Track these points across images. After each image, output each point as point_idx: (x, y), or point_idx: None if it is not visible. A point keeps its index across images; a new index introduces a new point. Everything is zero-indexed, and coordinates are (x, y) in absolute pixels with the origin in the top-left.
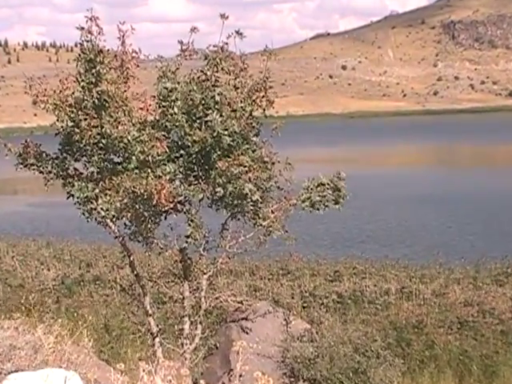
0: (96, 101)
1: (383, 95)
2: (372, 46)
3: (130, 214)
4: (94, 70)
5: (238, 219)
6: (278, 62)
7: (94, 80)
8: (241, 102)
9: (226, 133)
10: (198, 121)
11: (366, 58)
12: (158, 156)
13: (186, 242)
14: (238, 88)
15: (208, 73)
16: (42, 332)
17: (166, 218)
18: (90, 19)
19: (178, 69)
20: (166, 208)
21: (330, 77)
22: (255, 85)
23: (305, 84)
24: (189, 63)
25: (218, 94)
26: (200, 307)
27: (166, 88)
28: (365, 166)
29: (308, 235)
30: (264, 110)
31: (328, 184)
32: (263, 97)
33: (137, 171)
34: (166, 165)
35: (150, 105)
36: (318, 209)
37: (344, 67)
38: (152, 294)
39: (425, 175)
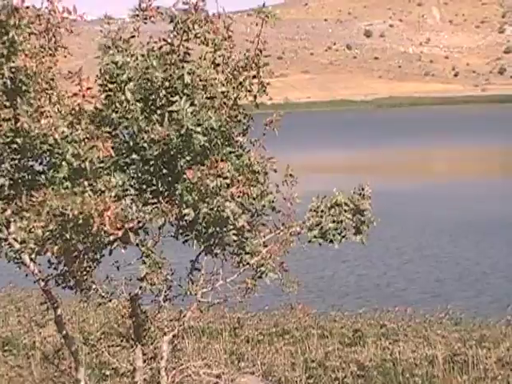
0: (8, 82)
1: (425, 74)
2: (409, 3)
3: (57, 247)
4: (5, 38)
5: (216, 255)
6: (272, 27)
7: (5, 52)
8: (222, 84)
9: (199, 129)
10: (158, 111)
11: (401, 21)
12: (100, 162)
13: (140, 287)
14: (218, 65)
15: (175, 42)
16: None
17: (110, 253)
18: None
19: (132, 36)
20: (111, 238)
21: (348, 47)
22: (243, 60)
23: (311, 58)
24: (147, 28)
25: (189, 73)
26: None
27: (115, 63)
28: (398, 178)
29: (316, 276)
30: (255, 96)
31: (346, 204)
32: (254, 78)
33: (68, 184)
34: (111, 175)
35: (88, 88)
36: (331, 240)
37: (368, 33)
38: (88, 365)
39: (489, 192)
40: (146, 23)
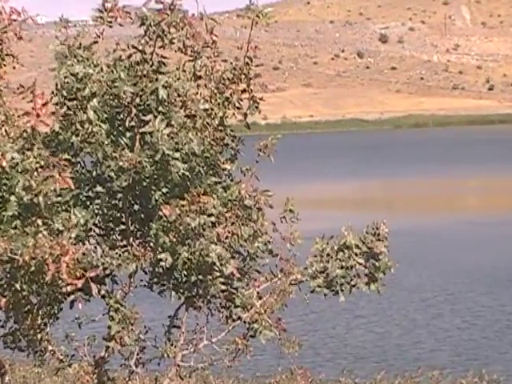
0: None
1: (453, 88)
2: (433, 2)
3: (5, 300)
4: None
5: (199, 309)
6: (266, 30)
7: None
8: (205, 101)
9: (177, 155)
10: (128, 134)
11: (423, 23)
12: (57, 196)
13: (107, 348)
14: (199, 77)
15: (147, 49)
16: None
17: (71, 307)
18: None
19: (95, 42)
20: (71, 289)
21: (360, 55)
22: (230, 71)
23: (314, 68)
24: (114, 32)
25: (164, 87)
26: None
27: (74, 75)
28: (421, 214)
29: (323, 335)
30: (245, 114)
31: (357, 247)
32: (244, 92)
33: (18, 223)
34: (70, 212)
35: (43, 105)
36: (338, 291)
37: (384, 38)
38: None
39: None
40: (111, 27)
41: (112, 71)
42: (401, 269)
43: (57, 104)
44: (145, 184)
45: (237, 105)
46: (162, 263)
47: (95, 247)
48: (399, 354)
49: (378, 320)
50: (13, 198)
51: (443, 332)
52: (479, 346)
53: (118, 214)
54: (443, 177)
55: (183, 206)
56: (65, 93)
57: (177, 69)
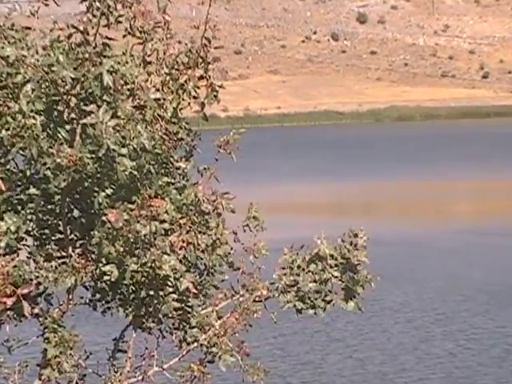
0: None
1: (442, 75)
2: None
3: None
4: None
5: (149, 330)
6: (227, 8)
7: None
8: (156, 89)
9: (124, 151)
10: (67, 126)
11: (408, 1)
12: None
13: (41, 376)
14: (149, 62)
15: (89, 29)
16: None
17: None
18: None
19: (28, 28)
20: None
21: (334, 38)
22: (185, 54)
23: (282, 53)
24: (50, 10)
25: (110, 73)
26: None
27: (5, 59)
28: (406, 221)
29: (296, 361)
30: (203, 105)
31: (332, 257)
32: (201, 79)
33: None
34: None
35: None
36: (312, 308)
37: (362, 18)
38: None
39: None
40: (47, 4)
41: (49, 54)
42: (383, 284)
43: None
44: (86, 185)
45: (193, 93)
46: (107, 277)
47: (28, 259)
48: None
49: (357, 344)
50: None
51: (433, 358)
52: (474, 374)
53: (55, 220)
54: (431, 178)
55: (131, 210)
56: None
57: (123, 53)
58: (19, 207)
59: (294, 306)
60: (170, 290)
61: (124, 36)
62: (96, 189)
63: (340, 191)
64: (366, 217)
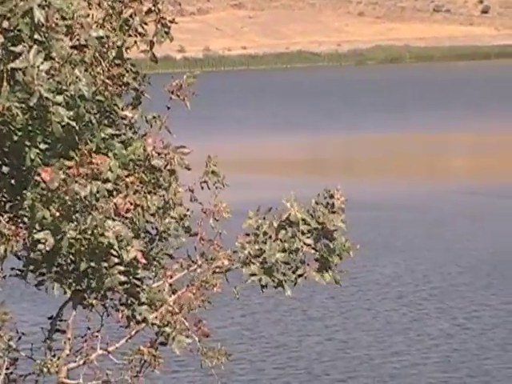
0: None
1: (435, 10)
2: None
3: None
4: None
5: (91, 307)
6: None
7: None
8: (98, 25)
9: (59, 99)
10: None
11: None
12: None
13: None
14: None
15: None
16: None
17: None
18: None
19: None
20: None
21: None
22: None
23: None
24: None
25: (42, 7)
26: None
27: None
28: (393, 180)
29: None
30: (151, 43)
31: (305, 222)
32: (149, 12)
33: None
34: None
35: None
36: (280, 282)
37: None
38: None
39: None
40: None
41: None
42: (368, 254)
43: None
44: (16, 139)
45: (139, 30)
46: (41, 246)
47: None
48: (369, 370)
49: (339, 324)
50: None
51: (427, 340)
52: (475, 358)
53: None
54: (422, 130)
55: (69, 168)
56: None
57: None
58: None
59: (260, 279)
60: (115, 260)
61: None
62: (27, 143)
63: (316, 146)
64: (346, 176)
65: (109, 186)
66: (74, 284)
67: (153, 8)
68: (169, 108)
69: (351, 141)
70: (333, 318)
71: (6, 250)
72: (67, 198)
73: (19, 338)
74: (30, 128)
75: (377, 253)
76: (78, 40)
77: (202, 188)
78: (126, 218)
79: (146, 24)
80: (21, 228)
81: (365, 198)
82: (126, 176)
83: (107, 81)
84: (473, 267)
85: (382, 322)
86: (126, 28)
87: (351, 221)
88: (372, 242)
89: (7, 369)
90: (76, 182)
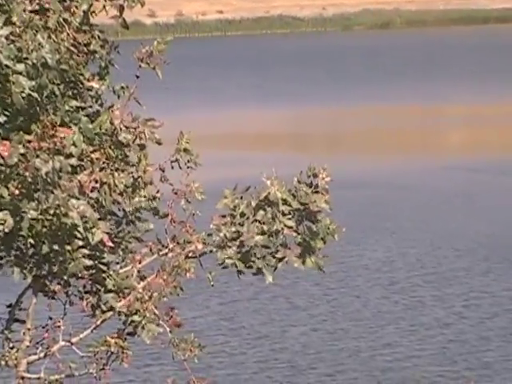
0: None
1: None
2: None
3: None
4: None
5: (53, 294)
6: None
7: None
8: None
9: (20, 67)
10: None
11: None
12: None
13: None
14: None
15: None
16: None
17: None
18: None
19: None
20: None
21: None
22: None
23: None
24: None
25: None
26: None
27: None
28: (383, 156)
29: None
30: (121, 8)
31: (286, 202)
32: None
33: None
34: None
35: None
36: (259, 268)
37: None
38: None
39: None
40: None
41: None
42: (357, 237)
43: None
44: None
45: None
46: None
47: None
48: (358, 363)
49: (325, 313)
50: None
51: (421, 330)
52: (474, 349)
53: None
54: (414, 102)
55: (29, 142)
56: None
57: None
58: None
59: (235, 265)
60: (80, 243)
61: None
62: None
63: (299, 119)
64: (331, 151)
65: (73, 161)
66: (34, 269)
67: None
68: (138, 77)
69: (338, 113)
70: (318, 306)
71: None
72: (27, 174)
73: None
74: None
75: (366, 235)
76: (39, 4)
77: (173, 167)
78: (92, 197)
79: None
80: None
81: (352, 175)
82: (92, 151)
83: (72, 48)
84: (471, 250)
85: (372, 311)
86: None
87: (337, 201)
88: (360, 224)
89: None
90: (37, 156)
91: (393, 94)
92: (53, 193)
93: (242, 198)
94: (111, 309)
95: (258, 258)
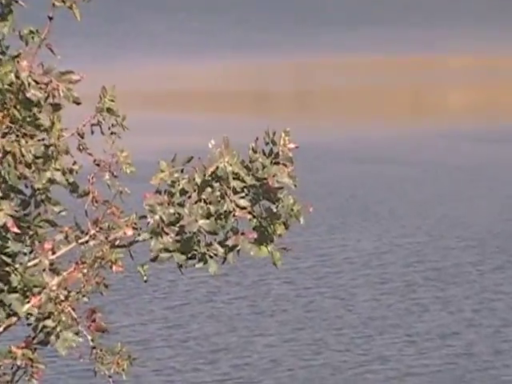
0: None
1: None
2: None
3: None
4: None
5: None
6: None
7: None
8: None
9: None
10: None
11: None
12: None
13: None
14: None
15: None
16: None
17: None
18: None
19: None
20: None
21: None
22: None
23: None
24: None
25: None
26: None
27: None
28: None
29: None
30: None
31: (238, 177)
32: None
33: None
34: None
35: None
36: (203, 258)
37: None
38: None
39: None
40: None
41: None
42: (337, 223)
43: None
44: None
45: None
46: None
47: None
48: (342, 382)
49: (300, 319)
50: None
51: (422, 341)
52: (487, 365)
53: None
54: (407, 51)
55: None
56: None
57: None
58: None
59: (172, 255)
60: None
61: None
62: None
63: (259, 74)
64: (301, 114)
65: None
66: None
67: None
68: (51, 19)
69: (308, 66)
70: (291, 311)
71: None
72: None
73: None
74: None
75: (350, 222)
76: None
77: (93, 133)
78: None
79: None
80: None
81: (327, 143)
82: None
83: None
84: (480, 240)
85: (360, 317)
86: None
87: (306, 175)
88: (343, 207)
89: None
90: None
91: (380, 39)
92: None
93: (182, 171)
94: (15, 315)
95: (202, 247)
